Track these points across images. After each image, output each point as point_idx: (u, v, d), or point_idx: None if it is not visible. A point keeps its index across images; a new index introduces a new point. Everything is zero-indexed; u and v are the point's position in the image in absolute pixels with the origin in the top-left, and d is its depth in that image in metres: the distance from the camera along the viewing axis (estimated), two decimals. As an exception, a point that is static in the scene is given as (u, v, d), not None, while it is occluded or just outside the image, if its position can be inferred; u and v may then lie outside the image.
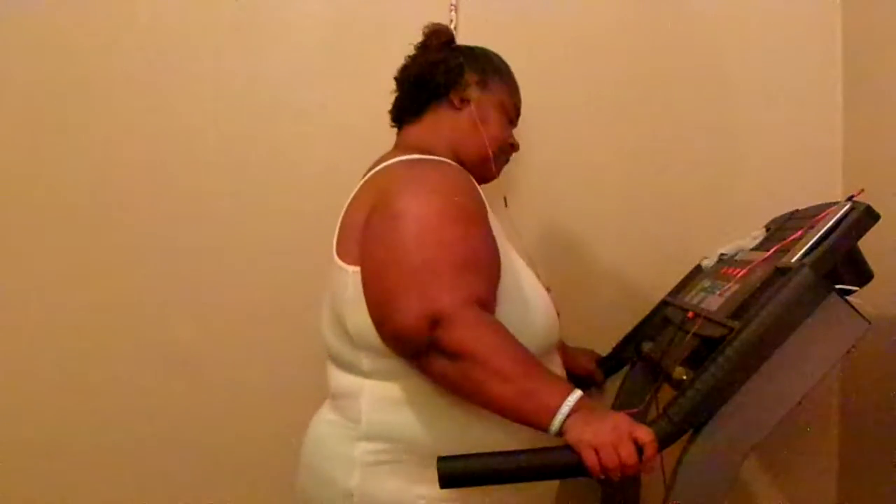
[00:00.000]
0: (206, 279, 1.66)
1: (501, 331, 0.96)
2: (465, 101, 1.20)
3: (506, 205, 1.25)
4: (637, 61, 1.68)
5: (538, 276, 1.15)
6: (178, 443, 1.66)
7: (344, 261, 1.08)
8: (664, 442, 0.94)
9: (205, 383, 1.66)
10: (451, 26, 1.62)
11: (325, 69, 1.65)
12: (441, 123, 1.20)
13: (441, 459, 0.92)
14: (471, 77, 1.20)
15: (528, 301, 1.09)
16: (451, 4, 1.63)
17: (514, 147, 1.29)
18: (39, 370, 1.65)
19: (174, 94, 1.65)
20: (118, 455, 1.65)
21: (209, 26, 1.65)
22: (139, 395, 1.65)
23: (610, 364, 1.47)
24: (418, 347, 0.96)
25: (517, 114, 1.29)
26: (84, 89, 1.64)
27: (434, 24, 1.25)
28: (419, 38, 1.26)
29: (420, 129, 1.21)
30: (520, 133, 1.62)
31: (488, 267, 1.03)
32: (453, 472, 0.92)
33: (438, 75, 1.19)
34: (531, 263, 1.16)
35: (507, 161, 1.29)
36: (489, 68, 1.23)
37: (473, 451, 0.94)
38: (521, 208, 1.66)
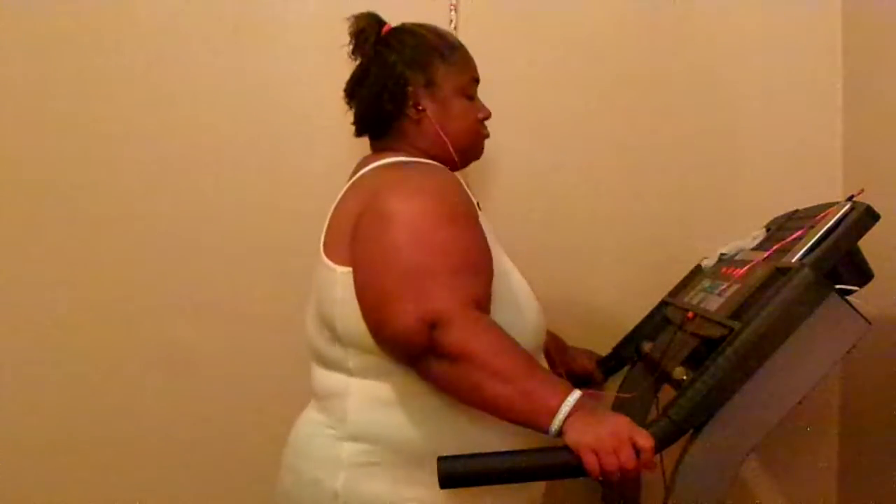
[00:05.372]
0: (205, 279, 1.66)
1: (499, 332, 0.96)
2: (421, 111, 1.16)
3: (479, 209, 1.23)
4: (637, 61, 1.68)
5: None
6: (177, 442, 1.66)
7: (332, 261, 1.07)
8: (664, 442, 0.94)
9: (205, 383, 1.66)
10: (451, 26, 1.62)
11: (325, 69, 1.64)
12: (408, 136, 1.18)
13: (441, 459, 0.92)
14: (416, 82, 1.16)
15: (518, 302, 1.09)
16: (451, 4, 1.63)
17: (485, 118, 1.24)
18: (39, 370, 1.65)
19: (173, 95, 1.65)
20: (117, 454, 1.65)
21: (209, 26, 1.65)
22: (138, 394, 1.65)
23: (610, 364, 1.47)
24: (416, 351, 0.96)
25: (476, 82, 1.22)
26: (84, 90, 1.64)
27: (356, 23, 1.20)
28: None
29: (390, 142, 1.20)
30: (519, 132, 1.62)
31: (482, 268, 1.03)
32: (453, 472, 0.92)
33: (386, 104, 1.16)
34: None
35: (486, 134, 1.25)
36: (430, 59, 1.17)
37: (464, 452, 0.93)
38: (521, 208, 1.66)
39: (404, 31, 1.21)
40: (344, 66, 1.56)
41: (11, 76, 1.63)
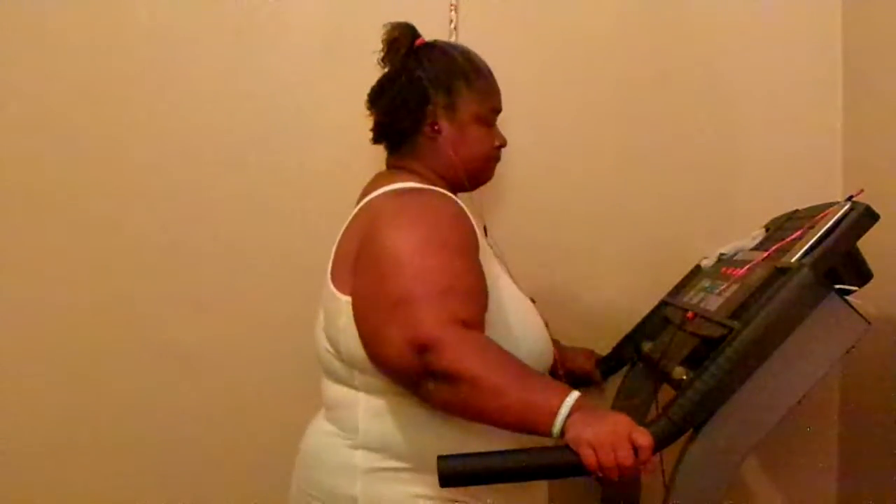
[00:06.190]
0: (206, 279, 1.66)
1: (489, 345, 0.96)
2: (437, 130, 1.17)
3: (486, 234, 1.21)
4: (637, 62, 1.68)
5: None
6: (177, 442, 1.66)
7: (337, 289, 1.09)
8: (664, 442, 0.94)
9: (205, 383, 1.66)
10: (451, 26, 1.62)
11: (325, 70, 1.65)
12: (421, 153, 1.19)
13: (441, 458, 0.92)
14: (437, 101, 1.16)
15: (513, 330, 1.08)
16: (451, 4, 1.63)
17: (501, 147, 1.25)
18: (39, 370, 1.65)
19: (174, 96, 1.65)
20: (117, 454, 1.65)
21: (209, 27, 1.65)
22: (139, 394, 1.65)
23: (610, 364, 1.47)
24: (412, 377, 0.97)
25: (497, 111, 1.24)
26: (84, 90, 1.64)
27: (390, 31, 1.20)
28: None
29: (403, 158, 1.20)
30: (519, 133, 1.62)
31: (472, 293, 1.01)
32: (453, 471, 0.92)
33: (404, 118, 1.16)
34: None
35: (497, 160, 1.26)
36: (455, 82, 1.17)
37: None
38: (521, 209, 1.66)
39: (436, 48, 1.21)
40: (344, 67, 1.57)
41: (12, 77, 1.64)
